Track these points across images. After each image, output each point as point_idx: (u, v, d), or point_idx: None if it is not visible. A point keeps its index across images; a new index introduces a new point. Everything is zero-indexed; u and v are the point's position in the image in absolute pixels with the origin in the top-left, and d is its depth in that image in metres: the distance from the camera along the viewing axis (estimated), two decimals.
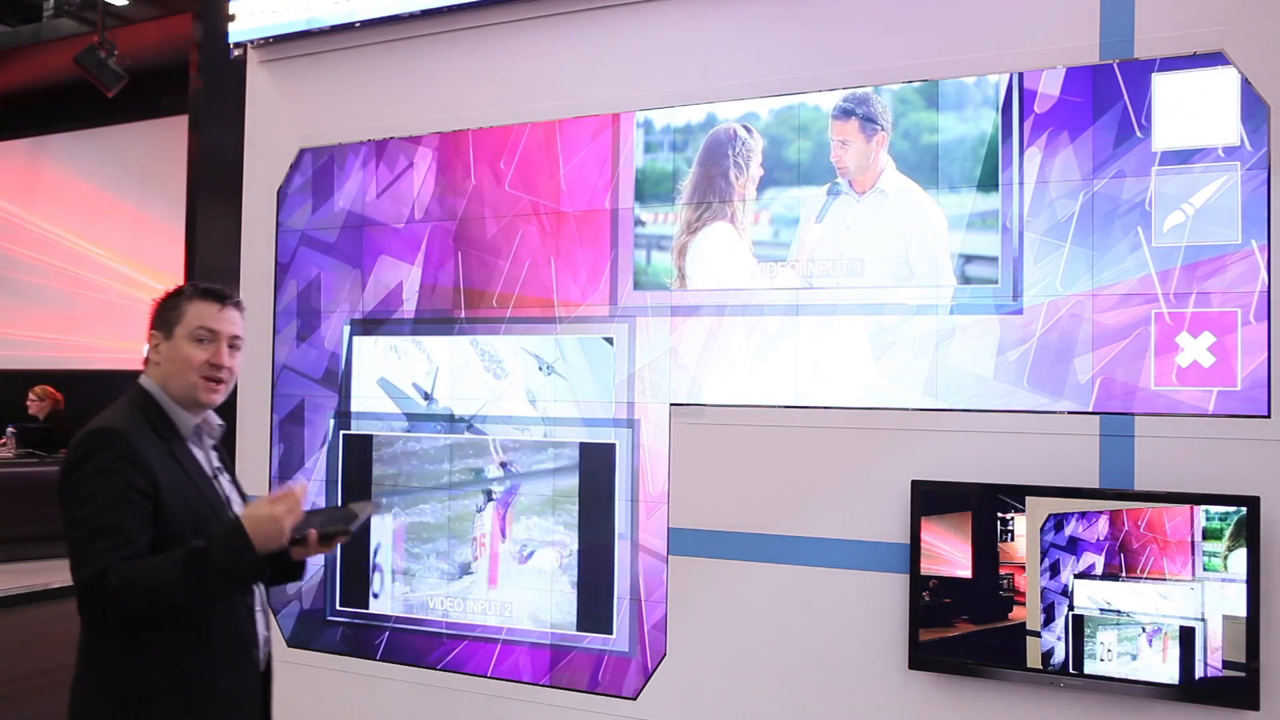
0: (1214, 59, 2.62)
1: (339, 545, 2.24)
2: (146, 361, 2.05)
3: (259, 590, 2.12)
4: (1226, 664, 2.47)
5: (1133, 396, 2.67)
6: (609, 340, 3.30)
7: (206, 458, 2.08)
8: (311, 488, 3.71)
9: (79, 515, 1.83)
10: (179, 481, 1.93)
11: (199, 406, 2.04)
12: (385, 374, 3.66)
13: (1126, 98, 2.70)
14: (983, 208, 2.85)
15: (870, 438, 2.95)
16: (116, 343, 10.56)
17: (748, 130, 3.15)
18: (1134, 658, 2.55)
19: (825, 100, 3.06)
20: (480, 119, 3.56)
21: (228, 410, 2.30)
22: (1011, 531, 2.69)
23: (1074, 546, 2.63)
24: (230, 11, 3.97)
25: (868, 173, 2.99)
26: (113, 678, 1.87)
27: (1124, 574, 2.58)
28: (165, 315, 2.03)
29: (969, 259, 2.86)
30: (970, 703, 2.79)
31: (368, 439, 3.68)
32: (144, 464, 1.86)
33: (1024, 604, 2.67)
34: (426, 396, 3.59)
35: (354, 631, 3.67)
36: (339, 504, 2.32)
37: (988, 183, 2.84)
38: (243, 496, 2.18)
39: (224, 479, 2.12)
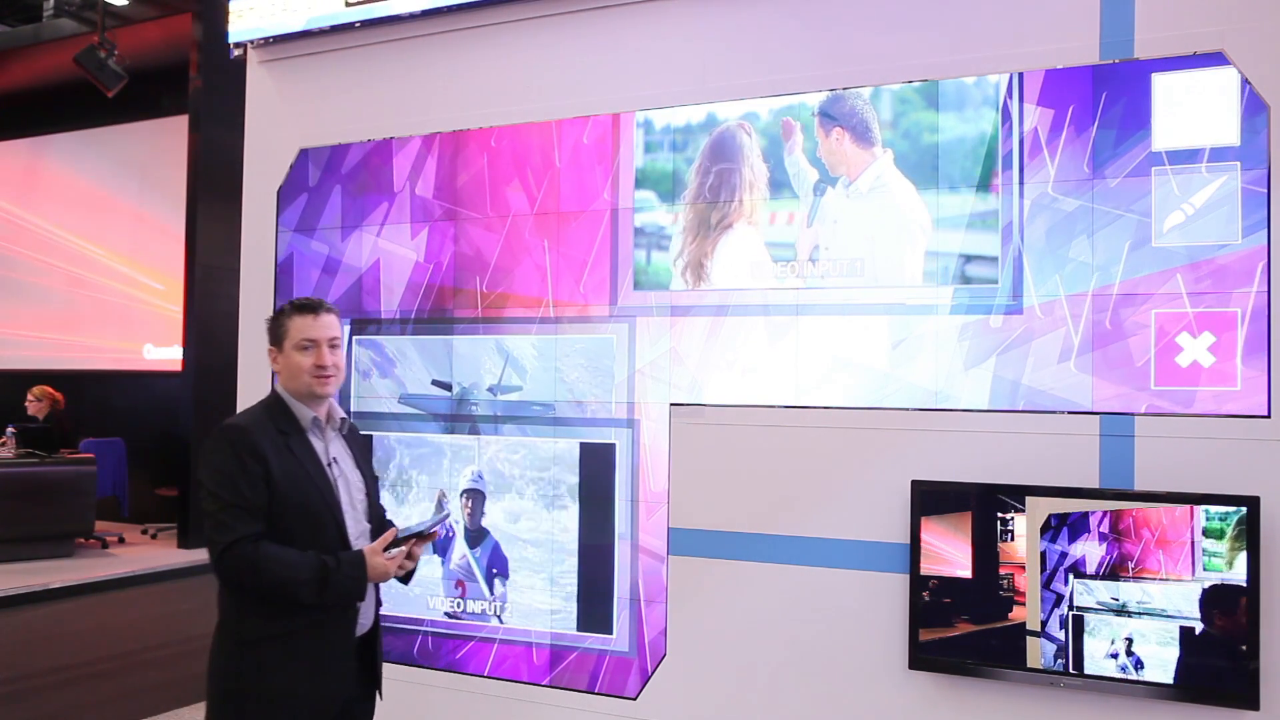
0: (1214, 59, 2.62)
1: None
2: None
3: None
4: (1226, 664, 2.48)
5: (1132, 396, 2.67)
6: (607, 341, 3.30)
7: (325, 448, 2.42)
8: None
9: (215, 493, 2.25)
10: (291, 468, 2.31)
11: (317, 399, 2.41)
12: (403, 390, 3.66)
13: (1126, 98, 2.71)
14: (982, 208, 2.85)
15: (870, 438, 2.95)
16: (116, 343, 10.55)
17: (747, 132, 3.15)
18: (1133, 657, 2.55)
19: (824, 100, 3.06)
20: (480, 119, 3.56)
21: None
22: (1011, 531, 2.69)
23: (1074, 547, 2.63)
24: (231, 11, 3.97)
25: (856, 169, 2.99)
26: (234, 624, 2.30)
27: (1124, 574, 2.58)
28: (275, 333, 2.43)
29: (969, 259, 2.86)
30: (970, 703, 2.79)
31: (367, 439, 3.68)
32: (259, 453, 2.27)
33: (1024, 604, 2.67)
34: (448, 386, 3.57)
35: None
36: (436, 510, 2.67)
37: (987, 183, 2.84)
38: (365, 479, 2.51)
39: (340, 466, 2.44)
